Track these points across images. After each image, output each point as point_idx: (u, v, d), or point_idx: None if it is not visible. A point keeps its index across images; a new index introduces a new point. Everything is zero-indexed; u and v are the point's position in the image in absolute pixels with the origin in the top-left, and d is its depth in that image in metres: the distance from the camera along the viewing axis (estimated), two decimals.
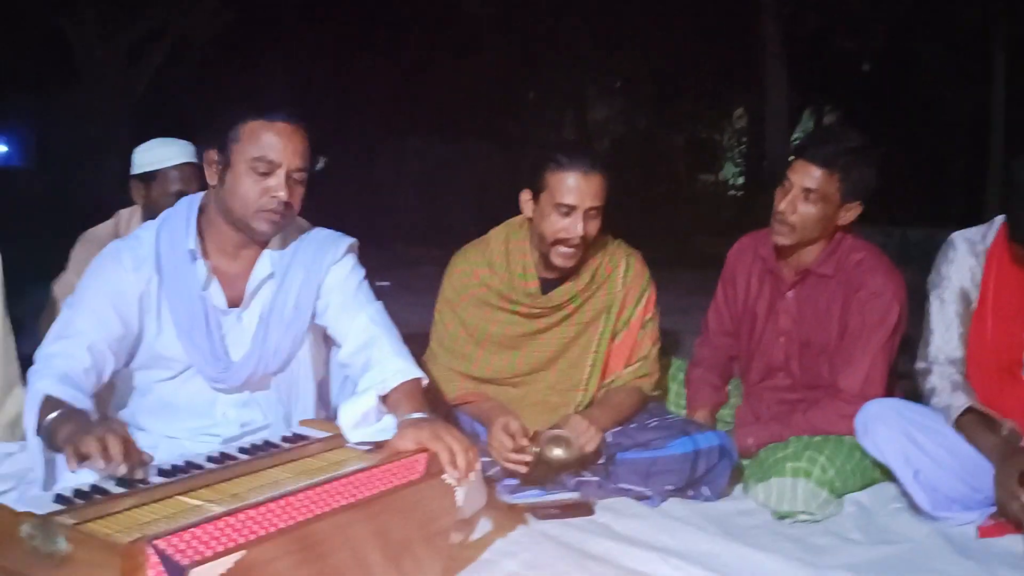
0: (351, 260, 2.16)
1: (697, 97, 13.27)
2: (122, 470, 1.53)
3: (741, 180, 13.75)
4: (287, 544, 1.43)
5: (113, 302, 1.95)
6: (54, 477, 1.76)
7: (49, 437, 1.67)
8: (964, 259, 2.39)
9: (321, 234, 2.17)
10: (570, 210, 2.33)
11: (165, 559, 1.30)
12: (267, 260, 2.06)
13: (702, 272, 2.90)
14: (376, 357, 2.01)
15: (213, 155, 1.98)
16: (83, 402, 1.76)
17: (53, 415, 1.68)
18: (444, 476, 1.74)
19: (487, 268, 2.52)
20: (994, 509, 2.19)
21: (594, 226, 2.37)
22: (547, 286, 2.48)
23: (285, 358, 2.08)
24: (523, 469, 2.25)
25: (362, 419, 1.83)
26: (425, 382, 2.02)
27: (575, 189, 2.32)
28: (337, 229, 2.22)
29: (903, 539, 2.16)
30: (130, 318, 1.97)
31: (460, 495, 1.77)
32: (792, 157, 2.50)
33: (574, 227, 2.33)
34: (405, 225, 11.73)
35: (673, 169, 11.96)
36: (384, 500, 1.62)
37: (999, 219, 2.37)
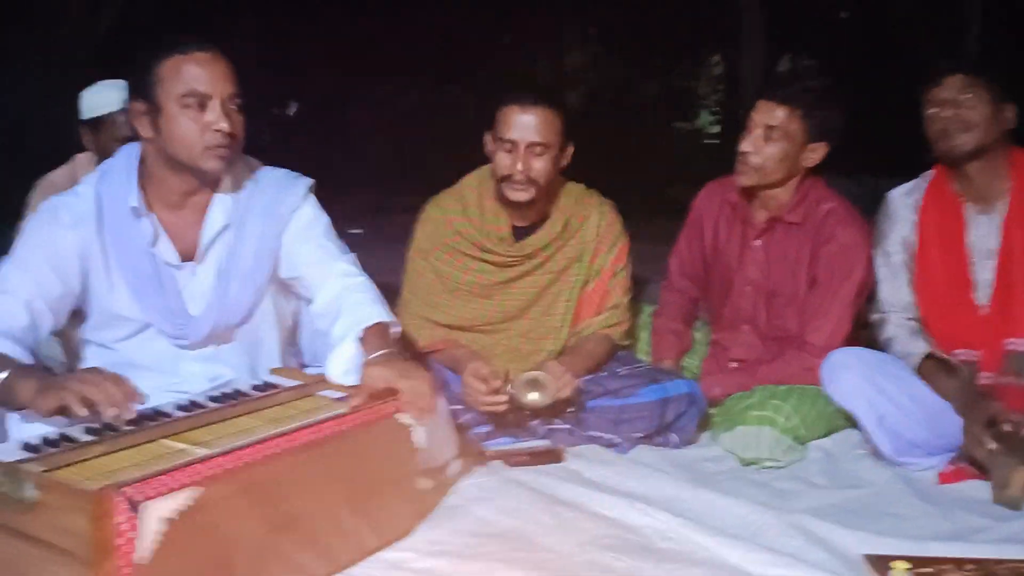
0: (312, 204, 2.07)
1: (673, 44, 13.15)
2: (111, 412, 1.56)
3: (717, 129, 13.68)
4: (235, 484, 1.43)
5: (50, 260, 1.86)
6: (4, 434, 1.72)
7: (6, 394, 1.63)
8: (899, 211, 2.46)
9: (275, 175, 2.06)
10: (512, 145, 2.33)
11: (134, 505, 1.30)
12: (220, 210, 1.96)
13: (677, 221, 2.89)
14: (348, 304, 1.96)
15: (139, 106, 1.86)
16: (28, 359, 1.73)
17: (5, 373, 1.64)
18: (397, 416, 1.73)
19: (461, 215, 2.50)
20: (954, 455, 2.25)
21: (540, 164, 2.35)
22: (520, 233, 2.48)
23: (247, 311, 2.01)
24: (501, 408, 2.26)
25: (351, 366, 1.84)
26: (396, 329, 1.99)
27: (515, 123, 2.33)
28: (308, 176, 2.11)
29: (865, 484, 2.20)
30: (70, 276, 1.89)
31: (420, 436, 1.77)
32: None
33: (515, 164, 2.33)
34: (378, 172, 11.60)
35: (648, 117, 11.87)
36: (334, 441, 1.62)
37: (929, 172, 2.46)
